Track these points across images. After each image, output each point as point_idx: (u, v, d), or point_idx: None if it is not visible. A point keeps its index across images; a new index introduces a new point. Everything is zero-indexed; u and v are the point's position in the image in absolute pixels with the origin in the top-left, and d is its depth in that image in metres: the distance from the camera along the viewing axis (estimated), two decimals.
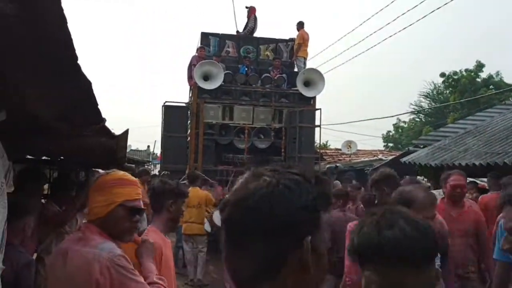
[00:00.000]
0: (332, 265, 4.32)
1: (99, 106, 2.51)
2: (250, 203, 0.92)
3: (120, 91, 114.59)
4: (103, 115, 2.55)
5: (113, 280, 1.96)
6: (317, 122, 11.91)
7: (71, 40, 1.53)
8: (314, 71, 12.31)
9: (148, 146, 40.65)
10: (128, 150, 26.80)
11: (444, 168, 7.73)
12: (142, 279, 2.07)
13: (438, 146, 8.44)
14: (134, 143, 37.37)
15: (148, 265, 2.32)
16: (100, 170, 6.27)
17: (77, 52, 1.64)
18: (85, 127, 2.64)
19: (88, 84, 1.97)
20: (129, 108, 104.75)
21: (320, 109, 11.95)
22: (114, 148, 2.83)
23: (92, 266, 1.96)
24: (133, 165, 4.82)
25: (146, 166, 23.65)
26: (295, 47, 12.67)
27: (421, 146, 9.28)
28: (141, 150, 38.76)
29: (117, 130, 3.31)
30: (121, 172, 2.30)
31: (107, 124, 2.74)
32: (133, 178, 2.28)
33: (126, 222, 2.13)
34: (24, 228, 2.84)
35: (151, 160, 32.46)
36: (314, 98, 12.18)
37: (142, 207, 2.22)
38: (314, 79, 12.07)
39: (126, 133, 2.81)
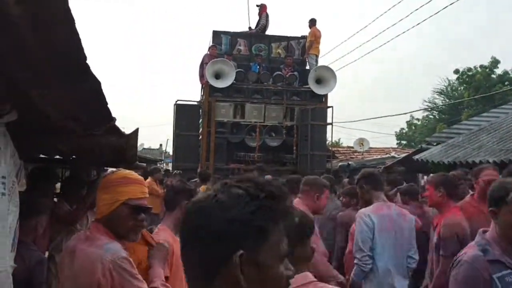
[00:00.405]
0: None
1: (108, 106, 2.53)
2: (189, 215, 1.02)
3: (126, 91, 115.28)
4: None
5: (114, 282, 1.96)
6: (329, 120, 11.90)
7: (79, 40, 1.54)
8: (326, 68, 12.27)
9: (161, 145, 40.87)
10: (140, 149, 26.74)
11: (457, 165, 7.65)
12: (144, 285, 2.06)
13: (452, 143, 8.35)
14: (147, 141, 37.60)
15: (156, 269, 2.32)
16: (112, 169, 6.33)
17: (86, 52, 1.65)
18: (95, 126, 2.66)
19: (98, 84, 1.98)
20: (136, 107, 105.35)
21: (332, 106, 11.94)
22: (124, 147, 2.84)
23: (95, 266, 1.97)
24: (144, 164, 4.82)
25: (158, 165, 23.78)
26: (307, 45, 12.63)
27: (434, 144, 9.19)
28: (153, 149, 38.94)
29: (127, 130, 3.33)
30: (127, 171, 2.31)
31: (116, 123, 2.76)
32: (138, 176, 2.28)
33: (130, 221, 2.13)
34: (36, 227, 2.86)
35: (163, 158, 32.61)
36: (325, 95, 12.15)
37: (148, 206, 2.22)
38: (326, 76, 12.03)
39: (136, 132, 2.81)
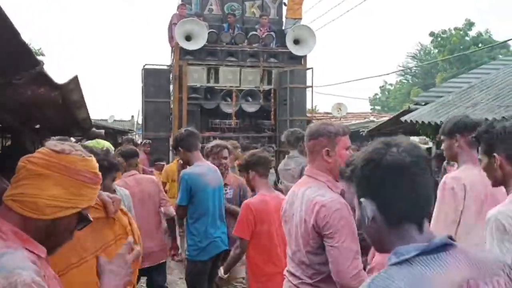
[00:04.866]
0: None
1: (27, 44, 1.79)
2: None
3: (91, 58, 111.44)
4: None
5: None
6: (308, 83, 11.19)
7: None
8: (304, 27, 11.51)
9: (132, 116, 39.66)
10: (111, 121, 25.64)
11: None
12: None
13: (442, 102, 7.79)
14: (118, 113, 36.37)
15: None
16: (72, 139, 5.52)
17: None
18: (14, 73, 1.90)
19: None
20: (105, 77, 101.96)
21: (312, 68, 11.21)
22: (59, 102, 2.09)
23: None
24: (102, 131, 4.13)
25: (129, 136, 22.84)
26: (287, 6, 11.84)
27: (422, 104, 8.63)
28: (125, 121, 37.72)
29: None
30: (93, 158, 1.57)
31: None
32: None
33: (68, 237, 1.46)
34: None
35: (135, 130, 31.58)
36: (305, 57, 11.43)
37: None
38: (305, 36, 11.29)
39: (75, 80, 2.06)
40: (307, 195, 2.38)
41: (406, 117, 8.12)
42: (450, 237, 1.28)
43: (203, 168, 4.40)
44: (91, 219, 1.48)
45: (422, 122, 7.56)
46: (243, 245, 3.56)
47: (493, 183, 2.33)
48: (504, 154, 2.20)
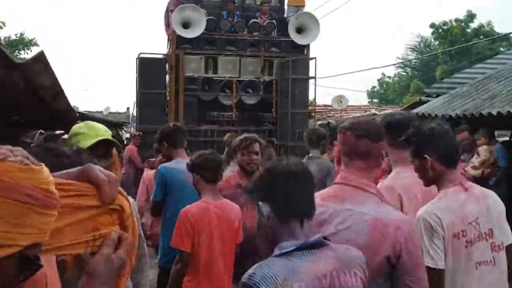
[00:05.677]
0: None
1: None
2: None
3: (88, 48, 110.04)
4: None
5: None
6: (311, 73, 10.68)
7: None
8: (308, 15, 11.00)
9: (128, 108, 39.18)
10: (107, 113, 24.96)
11: (467, 118, 6.66)
12: None
13: (455, 94, 7.32)
14: (114, 105, 35.84)
15: None
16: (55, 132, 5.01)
17: None
18: None
19: None
20: (100, 68, 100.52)
21: (315, 58, 10.69)
22: (19, 84, 1.60)
23: None
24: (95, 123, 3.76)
25: (124, 129, 22.38)
26: None
27: (434, 96, 8.16)
28: (121, 113, 37.26)
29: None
30: (46, 169, 0.98)
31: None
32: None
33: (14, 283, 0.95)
34: None
35: (130, 122, 31.09)
36: (307, 46, 10.92)
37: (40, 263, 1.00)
38: (308, 25, 10.77)
39: (40, 57, 1.56)
40: (360, 212, 1.93)
41: (418, 110, 7.65)
42: (325, 237, 1.65)
43: (184, 165, 3.85)
44: (42, 263, 0.98)
45: (435, 115, 7.08)
46: (184, 258, 3.22)
47: (425, 183, 2.47)
48: (435, 155, 2.31)
